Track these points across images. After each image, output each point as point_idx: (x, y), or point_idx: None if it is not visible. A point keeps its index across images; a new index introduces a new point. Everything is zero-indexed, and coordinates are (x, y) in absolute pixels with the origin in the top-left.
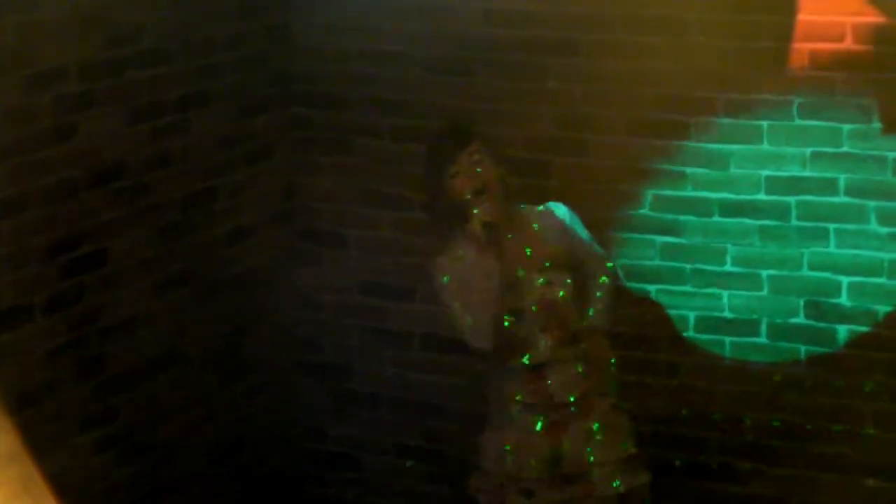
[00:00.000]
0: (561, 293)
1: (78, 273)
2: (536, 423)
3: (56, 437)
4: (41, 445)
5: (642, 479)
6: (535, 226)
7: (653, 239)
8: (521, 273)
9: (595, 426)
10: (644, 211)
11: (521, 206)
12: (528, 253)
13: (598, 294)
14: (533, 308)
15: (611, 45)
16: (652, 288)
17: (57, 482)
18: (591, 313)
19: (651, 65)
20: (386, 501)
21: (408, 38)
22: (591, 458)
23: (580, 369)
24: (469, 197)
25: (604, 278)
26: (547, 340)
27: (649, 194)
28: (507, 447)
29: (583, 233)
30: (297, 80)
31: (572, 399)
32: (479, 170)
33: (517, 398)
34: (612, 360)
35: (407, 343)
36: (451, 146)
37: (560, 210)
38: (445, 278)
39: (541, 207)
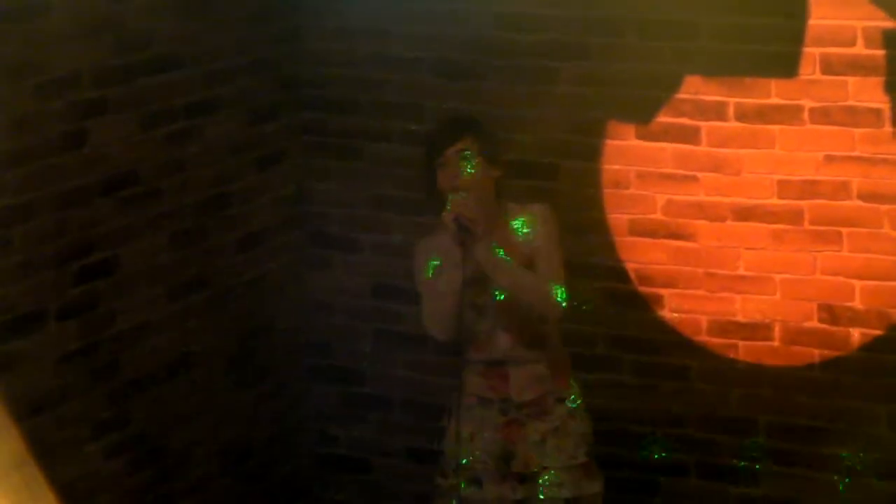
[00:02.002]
0: (545, 286)
1: (90, 279)
2: (492, 419)
3: (69, 442)
4: (54, 451)
5: (592, 488)
6: (513, 224)
7: (665, 243)
8: None
9: (549, 431)
10: (656, 215)
11: (510, 204)
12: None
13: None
14: (494, 304)
15: (621, 49)
16: (665, 292)
17: (70, 488)
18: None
19: (662, 69)
20: None
21: (418, 43)
22: (541, 462)
23: (541, 372)
24: (449, 189)
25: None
26: (506, 338)
27: (662, 199)
28: (463, 435)
29: (553, 245)
30: (308, 84)
31: (528, 400)
32: (464, 165)
33: (476, 392)
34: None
35: (419, 346)
36: (444, 137)
37: (542, 213)
38: (420, 262)
39: (526, 207)
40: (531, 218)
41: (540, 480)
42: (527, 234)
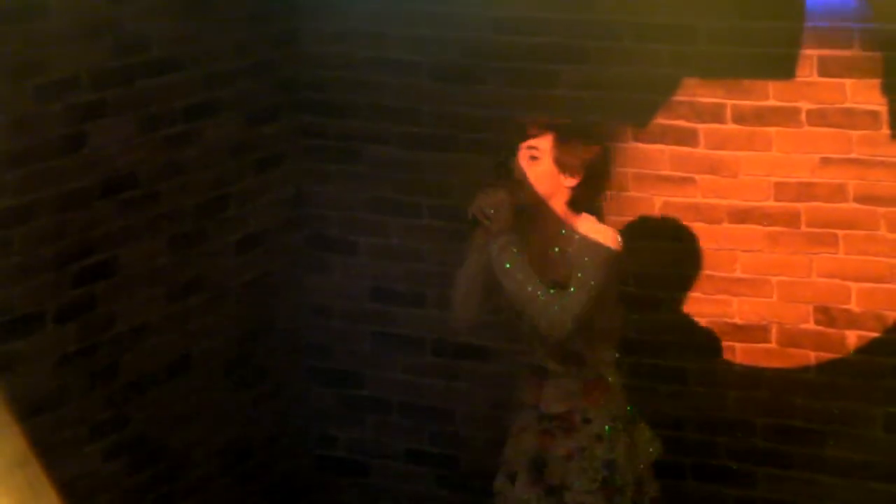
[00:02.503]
0: (550, 307)
1: (89, 281)
2: (531, 424)
3: (68, 444)
4: (53, 453)
5: None
6: (571, 238)
7: (663, 245)
8: None
9: (576, 449)
10: (655, 218)
11: (584, 219)
12: (543, 258)
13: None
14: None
15: (619, 53)
16: (662, 294)
17: (68, 489)
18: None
19: (659, 72)
20: None
21: (416, 46)
22: (565, 479)
23: (571, 388)
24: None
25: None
26: (541, 347)
27: (659, 201)
28: (512, 431)
29: (589, 272)
30: (306, 87)
31: (556, 413)
32: (518, 161)
33: (521, 394)
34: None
35: (417, 349)
36: (523, 132)
37: (599, 236)
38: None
39: (594, 226)
40: (587, 238)
41: (565, 498)
42: (576, 251)
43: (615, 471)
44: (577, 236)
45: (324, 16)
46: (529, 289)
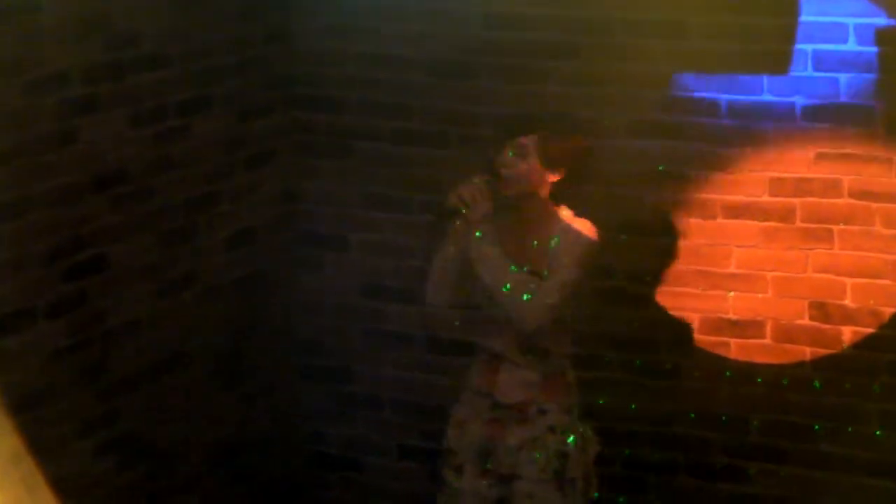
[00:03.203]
0: (525, 296)
1: (80, 277)
2: (481, 412)
3: (58, 440)
4: (43, 449)
5: None
6: (550, 231)
7: (657, 241)
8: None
9: (528, 439)
10: (648, 213)
11: (565, 213)
12: (521, 248)
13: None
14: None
15: (612, 49)
16: (656, 290)
17: (59, 486)
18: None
19: (652, 68)
20: (387, 503)
21: (409, 42)
22: (514, 469)
23: (530, 379)
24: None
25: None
26: (504, 335)
27: (652, 196)
28: (456, 420)
29: (565, 266)
30: (298, 83)
31: (511, 403)
32: (509, 161)
33: (475, 380)
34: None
35: (408, 345)
36: (512, 130)
37: (576, 230)
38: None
39: (573, 220)
40: (569, 231)
41: (513, 487)
42: (553, 245)
43: (567, 462)
44: (558, 229)
45: (316, 11)
46: (507, 279)
